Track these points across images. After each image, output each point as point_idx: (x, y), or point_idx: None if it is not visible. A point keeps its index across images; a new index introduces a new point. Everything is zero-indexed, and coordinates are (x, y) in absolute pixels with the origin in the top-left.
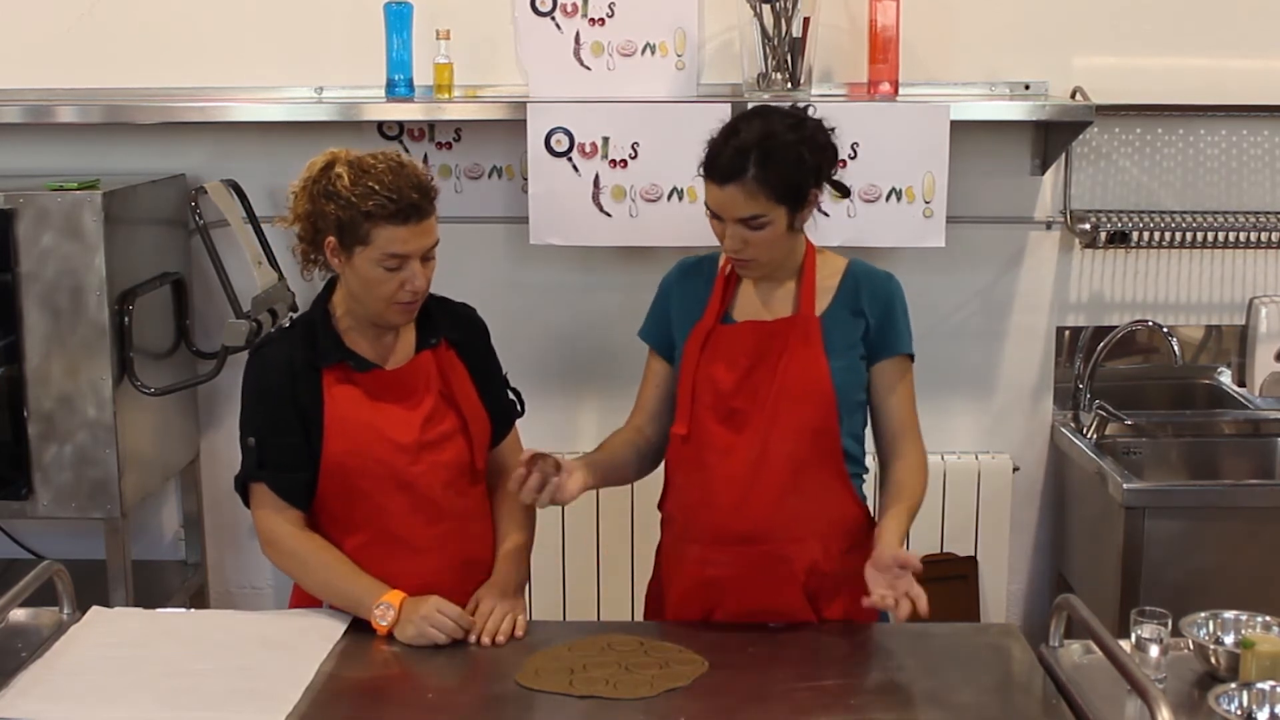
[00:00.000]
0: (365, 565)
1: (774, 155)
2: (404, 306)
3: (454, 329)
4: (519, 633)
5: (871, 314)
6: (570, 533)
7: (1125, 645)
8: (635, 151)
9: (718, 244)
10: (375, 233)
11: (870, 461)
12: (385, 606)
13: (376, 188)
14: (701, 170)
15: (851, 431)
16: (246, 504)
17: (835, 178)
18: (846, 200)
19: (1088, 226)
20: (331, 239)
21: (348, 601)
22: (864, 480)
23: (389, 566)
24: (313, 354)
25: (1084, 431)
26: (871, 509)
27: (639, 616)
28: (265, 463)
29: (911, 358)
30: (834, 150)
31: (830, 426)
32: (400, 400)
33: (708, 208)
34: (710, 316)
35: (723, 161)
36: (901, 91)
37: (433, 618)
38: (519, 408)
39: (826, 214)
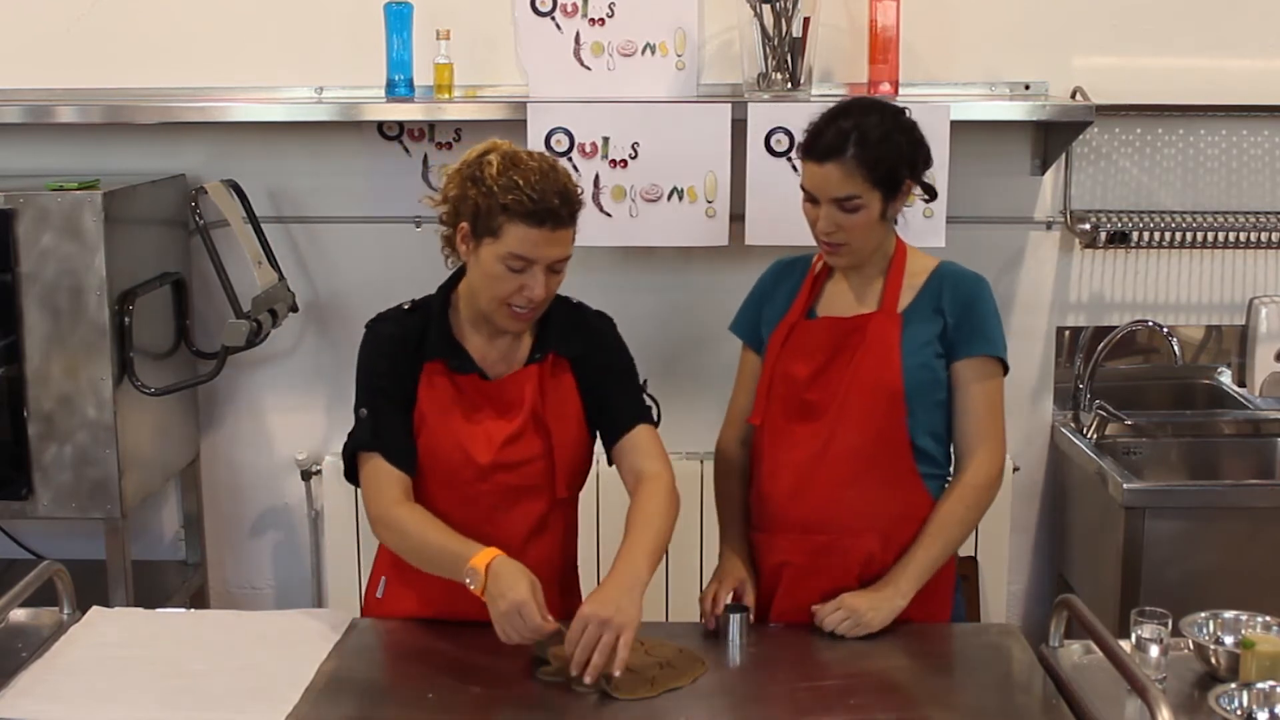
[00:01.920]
0: (406, 565)
1: (873, 138)
2: (516, 313)
3: (574, 344)
4: (616, 667)
5: (950, 313)
6: None
7: (1125, 645)
8: (635, 151)
9: (714, 243)
10: (507, 228)
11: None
12: (472, 574)
13: (520, 183)
14: (799, 153)
15: (930, 430)
16: (350, 476)
17: (925, 180)
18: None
19: (1088, 226)
20: (465, 225)
21: (441, 567)
22: (942, 482)
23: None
24: (420, 343)
25: (1084, 431)
26: None
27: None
28: (379, 433)
29: (1003, 363)
30: (927, 148)
31: (898, 422)
32: (491, 414)
33: (803, 190)
34: (795, 312)
35: (824, 141)
36: (901, 91)
37: (513, 621)
38: (655, 414)
39: None
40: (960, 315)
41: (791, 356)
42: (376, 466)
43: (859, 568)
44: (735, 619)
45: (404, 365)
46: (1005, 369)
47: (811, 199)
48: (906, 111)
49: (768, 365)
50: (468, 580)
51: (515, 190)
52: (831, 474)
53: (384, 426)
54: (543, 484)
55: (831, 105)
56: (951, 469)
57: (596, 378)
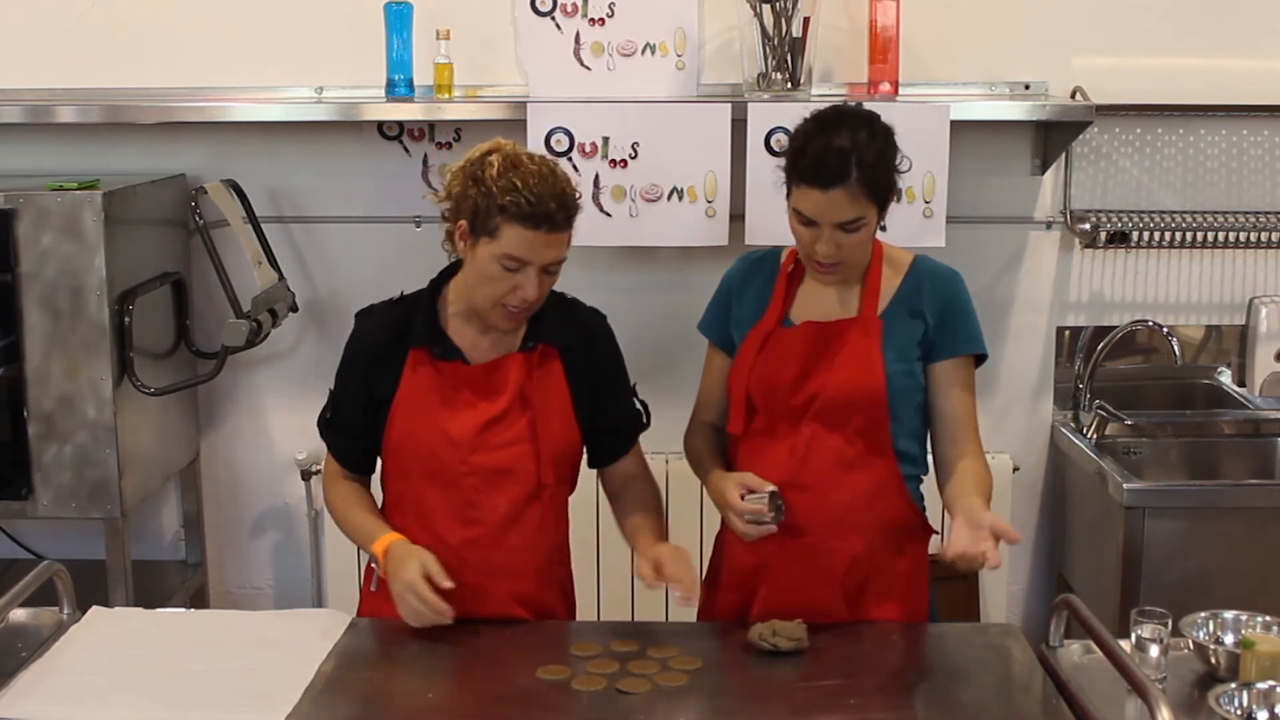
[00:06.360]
0: None
1: (870, 158)
2: (509, 312)
3: (565, 336)
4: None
5: (930, 315)
6: (571, 533)
7: (1125, 645)
8: (635, 151)
9: (714, 243)
10: (504, 229)
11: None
12: (376, 559)
13: (519, 185)
14: (796, 178)
15: (911, 432)
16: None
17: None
18: None
19: (1088, 226)
20: (463, 223)
21: (363, 546)
22: (920, 482)
23: None
24: (405, 332)
25: (1084, 431)
26: (927, 513)
27: (639, 616)
28: (334, 422)
29: (979, 359)
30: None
31: (881, 426)
32: (473, 398)
33: (799, 214)
34: (771, 319)
35: (827, 166)
36: (901, 91)
37: (407, 601)
38: (644, 419)
39: None
40: (941, 316)
41: (770, 364)
42: (328, 453)
43: (843, 569)
44: (767, 498)
45: (385, 356)
46: (982, 359)
47: (807, 221)
48: (881, 116)
49: (741, 373)
50: (374, 565)
51: (513, 192)
52: (815, 480)
53: (340, 418)
54: (526, 469)
55: (811, 121)
56: (930, 469)
57: (591, 374)
